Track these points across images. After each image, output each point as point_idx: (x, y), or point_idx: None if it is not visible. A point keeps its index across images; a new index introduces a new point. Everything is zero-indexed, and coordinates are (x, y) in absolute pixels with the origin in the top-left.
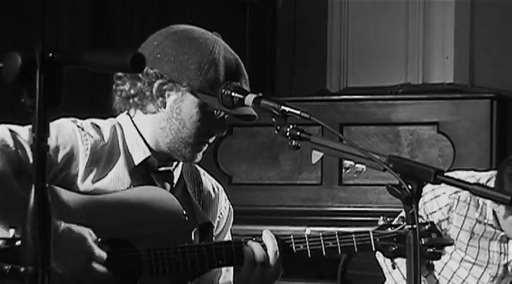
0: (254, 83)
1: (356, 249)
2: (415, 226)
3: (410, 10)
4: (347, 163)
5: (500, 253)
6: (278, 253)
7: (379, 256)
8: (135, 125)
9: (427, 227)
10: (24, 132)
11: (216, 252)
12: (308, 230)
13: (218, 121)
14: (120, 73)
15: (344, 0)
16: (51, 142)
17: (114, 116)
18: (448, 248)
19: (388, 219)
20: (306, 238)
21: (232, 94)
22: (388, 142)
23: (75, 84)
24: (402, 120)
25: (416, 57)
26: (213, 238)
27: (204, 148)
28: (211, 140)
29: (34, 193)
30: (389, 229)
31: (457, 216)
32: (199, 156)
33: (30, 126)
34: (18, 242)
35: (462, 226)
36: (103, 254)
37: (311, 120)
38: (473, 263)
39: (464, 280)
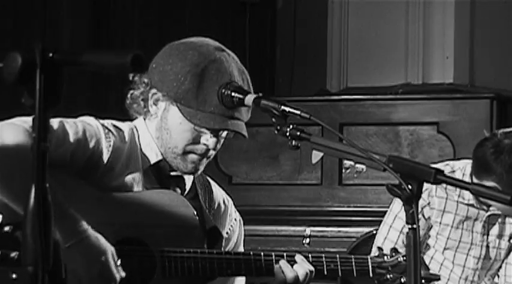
0: (254, 83)
1: (355, 274)
2: (415, 226)
3: (411, 10)
4: (347, 163)
5: (483, 234)
6: (309, 273)
7: None
8: (148, 129)
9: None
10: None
11: (226, 261)
12: (308, 230)
13: (203, 133)
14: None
15: (344, 1)
16: (79, 134)
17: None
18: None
19: (382, 251)
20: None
21: (232, 94)
22: (388, 142)
23: (75, 84)
24: (402, 120)
25: (416, 57)
26: (222, 247)
27: (200, 160)
28: (200, 151)
29: (34, 193)
30: (385, 258)
31: (438, 199)
32: (193, 168)
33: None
34: (6, 228)
35: (445, 208)
36: (122, 273)
37: (311, 120)
38: (456, 251)
39: (451, 270)
